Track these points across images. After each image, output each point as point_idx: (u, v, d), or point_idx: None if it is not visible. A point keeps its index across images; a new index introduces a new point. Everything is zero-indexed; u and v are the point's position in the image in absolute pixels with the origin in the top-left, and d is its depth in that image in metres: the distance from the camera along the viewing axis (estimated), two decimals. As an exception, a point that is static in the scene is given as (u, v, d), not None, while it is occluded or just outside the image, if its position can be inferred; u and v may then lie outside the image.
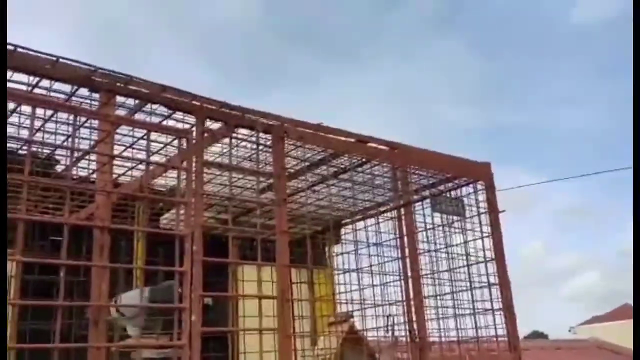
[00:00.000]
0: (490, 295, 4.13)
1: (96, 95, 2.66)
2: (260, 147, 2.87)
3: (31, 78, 2.48)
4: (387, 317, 4.81)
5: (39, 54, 2.28)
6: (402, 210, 4.31)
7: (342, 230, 5.00)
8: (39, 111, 2.71)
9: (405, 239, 4.40)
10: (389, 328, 4.77)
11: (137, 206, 3.94)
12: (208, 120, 2.63)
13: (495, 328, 4.11)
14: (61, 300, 1.87)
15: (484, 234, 4.20)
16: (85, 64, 2.35)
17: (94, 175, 3.47)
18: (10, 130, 2.77)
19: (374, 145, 3.50)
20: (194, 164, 2.36)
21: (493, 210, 4.18)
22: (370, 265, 4.46)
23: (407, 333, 4.46)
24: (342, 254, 4.83)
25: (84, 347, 2.47)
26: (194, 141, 2.41)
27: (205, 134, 2.65)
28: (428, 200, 4.43)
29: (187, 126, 2.73)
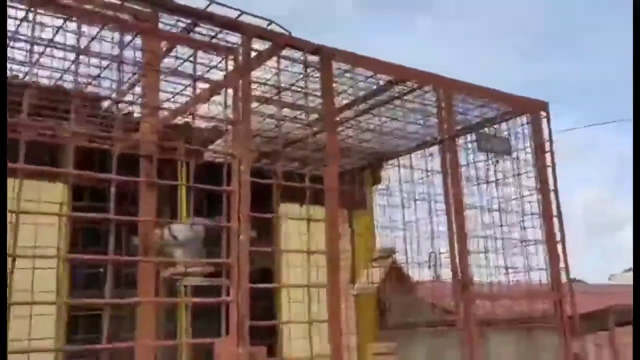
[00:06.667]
0: (544, 229, 4.05)
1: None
2: (308, 71, 2.79)
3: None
4: (430, 254, 4.79)
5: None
6: (448, 145, 4.21)
7: (386, 166, 4.95)
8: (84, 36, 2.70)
9: (450, 174, 4.32)
10: (432, 265, 4.76)
11: (183, 135, 3.93)
12: (256, 39, 2.57)
13: (544, 265, 4.06)
14: (112, 213, 1.87)
15: (533, 170, 4.11)
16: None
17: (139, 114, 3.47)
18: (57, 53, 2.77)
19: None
20: (241, 83, 2.31)
21: (543, 145, 4.07)
22: (415, 200, 4.43)
23: (450, 270, 4.44)
24: (385, 189, 4.81)
25: (135, 266, 2.51)
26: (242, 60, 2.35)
27: (253, 54, 2.59)
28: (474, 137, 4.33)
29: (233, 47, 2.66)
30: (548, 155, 4.05)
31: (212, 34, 2.63)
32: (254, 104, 3.58)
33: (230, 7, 2.50)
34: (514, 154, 4.18)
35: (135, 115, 3.66)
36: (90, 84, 3.09)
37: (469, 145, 4.32)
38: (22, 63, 2.78)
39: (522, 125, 4.22)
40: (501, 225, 4.20)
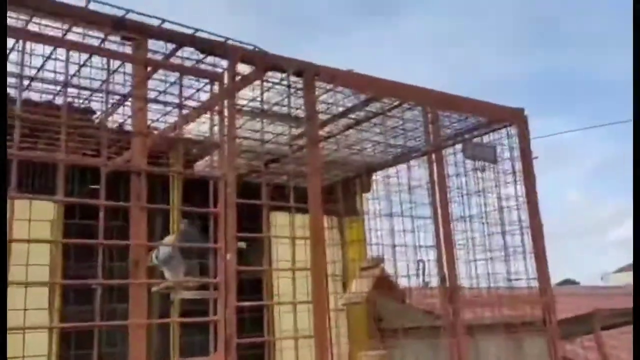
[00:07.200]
0: (522, 239, 4.14)
1: (128, 44, 2.69)
2: (292, 91, 2.87)
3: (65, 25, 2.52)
4: (418, 262, 4.86)
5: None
6: (434, 155, 4.29)
7: (374, 177, 5.02)
8: (73, 62, 2.77)
9: (436, 184, 4.39)
10: (420, 273, 4.83)
11: (172, 155, 4.00)
12: (240, 63, 2.65)
13: (527, 272, 4.15)
14: (101, 239, 1.94)
15: (517, 180, 4.19)
16: (116, 7, 2.37)
17: (129, 128, 3.53)
18: (48, 75, 2.83)
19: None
20: (226, 107, 2.38)
21: (526, 155, 4.15)
22: (402, 211, 4.50)
23: (438, 278, 4.51)
24: (373, 199, 4.88)
25: (125, 284, 2.57)
26: (226, 85, 2.42)
27: (237, 78, 2.66)
28: (460, 146, 4.40)
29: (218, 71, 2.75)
30: (527, 164, 4.14)
31: (199, 57, 2.71)
32: (241, 121, 3.67)
33: (216, 34, 2.59)
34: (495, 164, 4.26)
35: (127, 128, 3.74)
36: (80, 106, 3.15)
37: (455, 155, 4.41)
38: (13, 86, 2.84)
39: (507, 135, 4.31)
40: (487, 234, 4.29)
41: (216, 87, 2.60)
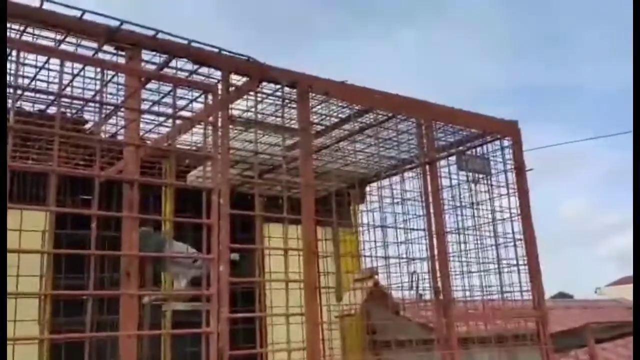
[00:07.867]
0: (516, 252, 4.14)
1: (122, 54, 2.69)
2: (285, 102, 2.87)
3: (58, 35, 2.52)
4: (412, 274, 4.85)
5: (66, 7, 2.30)
6: (427, 167, 4.30)
7: (367, 188, 5.02)
8: (67, 72, 2.77)
9: (430, 196, 4.39)
10: (413, 285, 4.82)
11: (165, 164, 4.00)
12: (234, 74, 2.65)
13: (520, 285, 4.14)
14: (93, 249, 1.93)
15: (511, 192, 4.20)
16: (111, 17, 2.38)
17: (121, 137, 3.52)
18: (40, 85, 2.83)
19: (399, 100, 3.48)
20: (219, 119, 2.38)
21: (520, 167, 4.16)
22: (395, 223, 4.49)
23: (432, 290, 4.50)
24: (367, 211, 4.87)
25: (117, 295, 2.56)
26: (219, 96, 2.42)
27: (231, 89, 2.67)
28: (454, 158, 4.41)
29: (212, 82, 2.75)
30: (521, 177, 4.15)
31: (193, 68, 2.71)
32: (235, 132, 3.67)
33: (210, 45, 2.59)
34: (489, 176, 4.27)
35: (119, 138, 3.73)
36: (73, 115, 3.14)
37: (449, 167, 4.41)
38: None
39: (502, 148, 4.32)
40: (480, 247, 4.29)
41: (210, 98, 2.60)
